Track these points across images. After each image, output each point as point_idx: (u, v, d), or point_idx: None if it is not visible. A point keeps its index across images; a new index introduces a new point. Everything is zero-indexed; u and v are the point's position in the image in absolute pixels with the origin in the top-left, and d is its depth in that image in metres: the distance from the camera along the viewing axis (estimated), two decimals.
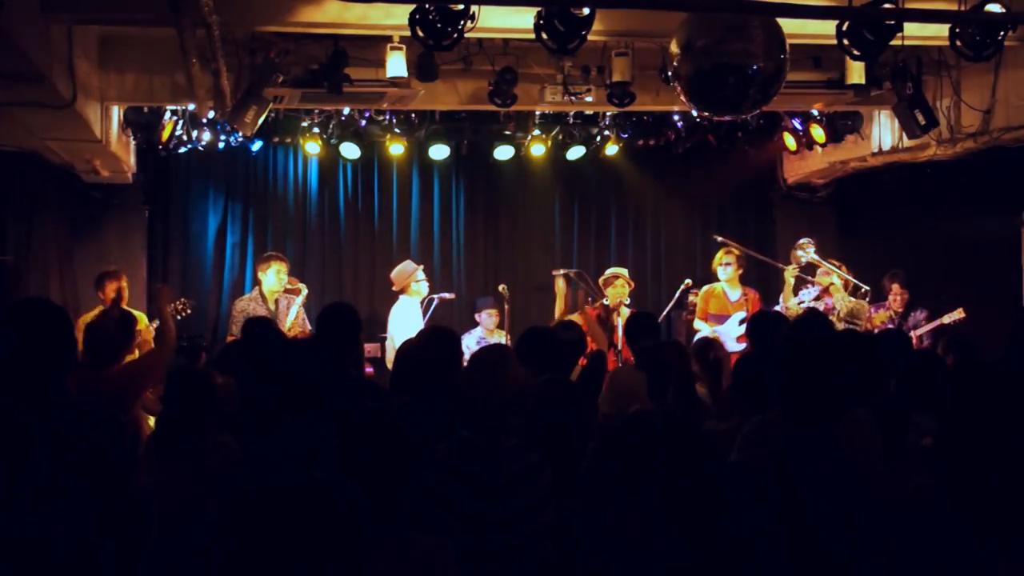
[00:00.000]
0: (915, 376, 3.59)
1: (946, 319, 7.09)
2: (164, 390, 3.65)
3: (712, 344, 5.21)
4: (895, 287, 7.41)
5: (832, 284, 7.06)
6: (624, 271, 7.55)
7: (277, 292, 7.03)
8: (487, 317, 7.89)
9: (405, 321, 7.25)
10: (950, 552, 1.93)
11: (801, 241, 7.41)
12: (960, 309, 7.06)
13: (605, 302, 7.22)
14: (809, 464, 2.10)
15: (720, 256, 7.39)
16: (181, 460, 3.45)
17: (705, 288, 7.57)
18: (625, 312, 7.03)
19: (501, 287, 7.71)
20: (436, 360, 3.65)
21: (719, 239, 7.54)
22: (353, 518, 1.64)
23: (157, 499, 3.69)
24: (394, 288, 7.60)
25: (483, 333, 7.85)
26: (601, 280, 7.52)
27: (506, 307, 7.65)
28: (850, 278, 7.22)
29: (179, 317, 6.09)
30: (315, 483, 1.67)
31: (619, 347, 6.79)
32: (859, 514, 2.06)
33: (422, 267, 7.68)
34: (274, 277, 7.01)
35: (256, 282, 7.19)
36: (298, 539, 1.56)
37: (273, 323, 5.16)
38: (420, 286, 7.53)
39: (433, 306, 7.58)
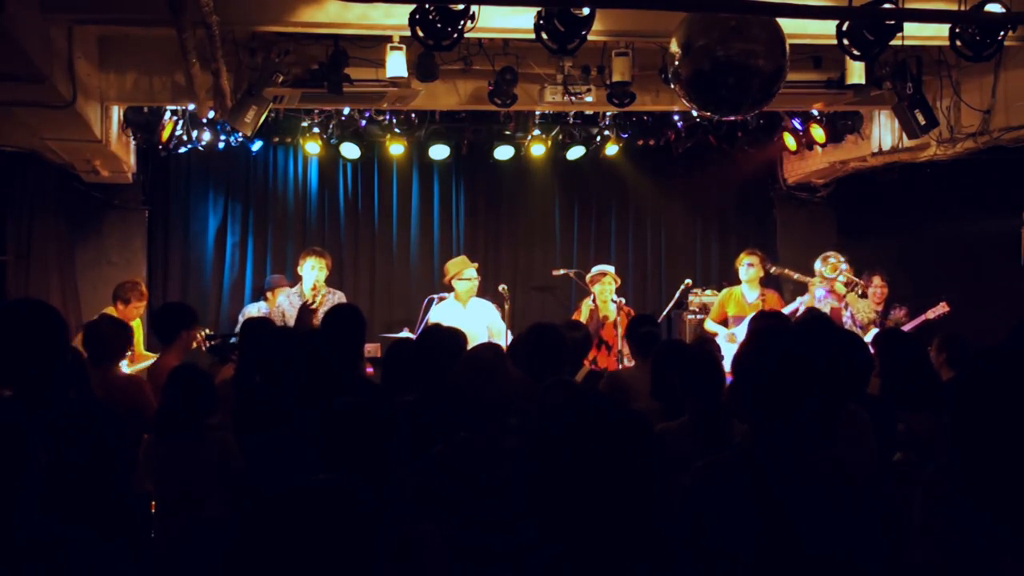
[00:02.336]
0: (901, 376, 3.59)
1: (930, 314, 7.04)
2: (163, 388, 3.64)
3: (708, 343, 5.24)
4: (875, 280, 7.35)
5: (847, 295, 6.94)
6: (610, 268, 7.51)
7: (313, 289, 6.74)
8: None
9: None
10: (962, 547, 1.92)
11: (830, 259, 7.13)
12: (943, 303, 7.01)
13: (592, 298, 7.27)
14: (786, 465, 2.07)
15: (742, 257, 7.39)
16: (180, 458, 3.44)
17: (724, 291, 7.56)
18: (612, 308, 7.06)
19: (501, 287, 7.70)
20: (440, 359, 3.62)
21: (772, 269, 7.38)
22: (370, 521, 1.62)
23: (156, 497, 3.69)
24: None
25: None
26: (588, 277, 7.52)
27: (506, 306, 7.64)
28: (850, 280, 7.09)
29: (204, 348, 5.90)
30: (332, 486, 1.65)
31: (609, 344, 6.83)
32: (846, 518, 2.04)
33: (474, 266, 7.28)
34: (308, 273, 6.79)
35: (297, 278, 7.00)
36: (314, 543, 1.55)
37: (271, 322, 5.13)
38: (461, 284, 7.16)
39: (433, 306, 7.57)
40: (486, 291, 8.58)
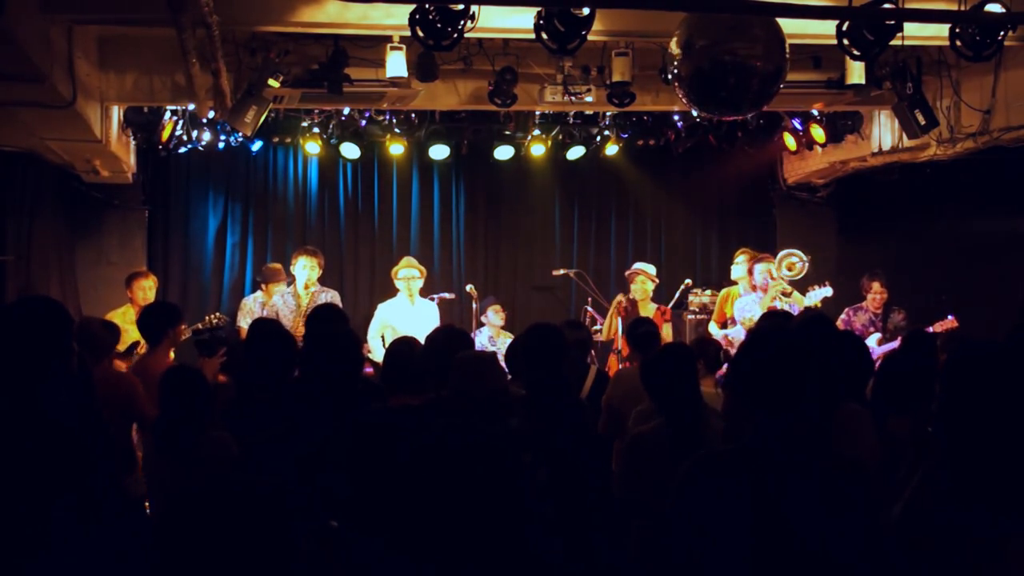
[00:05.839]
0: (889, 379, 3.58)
1: (937, 327, 6.69)
2: (160, 391, 3.63)
3: (713, 342, 5.25)
4: (875, 286, 7.10)
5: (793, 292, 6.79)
6: (648, 268, 7.42)
7: (308, 288, 6.96)
8: (493, 315, 7.84)
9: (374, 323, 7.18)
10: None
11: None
12: (952, 318, 6.71)
13: (632, 296, 7.19)
14: (781, 460, 2.06)
15: (735, 256, 7.35)
16: (178, 458, 3.45)
17: (723, 292, 7.51)
18: (651, 307, 7.03)
19: (468, 287, 7.69)
20: (444, 361, 3.60)
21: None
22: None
23: (154, 497, 3.70)
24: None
25: (491, 333, 7.81)
26: (627, 273, 7.45)
27: (474, 306, 7.61)
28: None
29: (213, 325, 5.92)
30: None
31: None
32: (841, 516, 2.04)
33: (406, 266, 7.26)
34: (300, 272, 6.98)
35: (292, 277, 7.16)
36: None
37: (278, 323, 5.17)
38: (398, 284, 7.26)
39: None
40: (486, 291, 8.60)
